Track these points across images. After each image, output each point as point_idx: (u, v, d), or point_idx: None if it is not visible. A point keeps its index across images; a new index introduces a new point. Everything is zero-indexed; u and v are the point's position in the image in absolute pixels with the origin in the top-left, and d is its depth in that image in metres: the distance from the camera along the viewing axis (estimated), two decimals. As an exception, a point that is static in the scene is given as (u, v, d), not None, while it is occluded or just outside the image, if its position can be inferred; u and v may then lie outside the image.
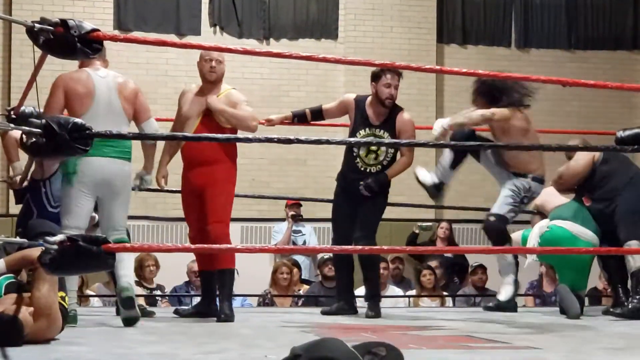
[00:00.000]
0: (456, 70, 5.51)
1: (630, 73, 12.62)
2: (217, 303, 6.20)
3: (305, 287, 9.39)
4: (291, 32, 12.03)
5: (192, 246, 6.22)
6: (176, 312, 6.58)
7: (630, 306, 6.50)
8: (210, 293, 6.32)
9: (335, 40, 12.12)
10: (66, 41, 3.73)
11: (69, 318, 5.14)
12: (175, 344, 4.84)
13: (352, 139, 6.48)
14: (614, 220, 6.70)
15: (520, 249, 7.07)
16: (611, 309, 6.66)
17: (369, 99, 6.56)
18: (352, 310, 6.66)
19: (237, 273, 6.45)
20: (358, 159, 6.53)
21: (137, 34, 10.94)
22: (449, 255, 10.02)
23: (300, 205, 10.34)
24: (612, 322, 6.33)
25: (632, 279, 6.66)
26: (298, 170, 11.92)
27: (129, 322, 5.68)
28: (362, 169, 6.53)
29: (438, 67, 7.47)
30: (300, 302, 9.03)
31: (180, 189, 6.42)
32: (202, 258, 6.45)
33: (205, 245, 6.07)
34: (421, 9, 12.23)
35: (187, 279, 9.38)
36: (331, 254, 8.19)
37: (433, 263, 9.43)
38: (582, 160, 6.86)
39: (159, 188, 6.51)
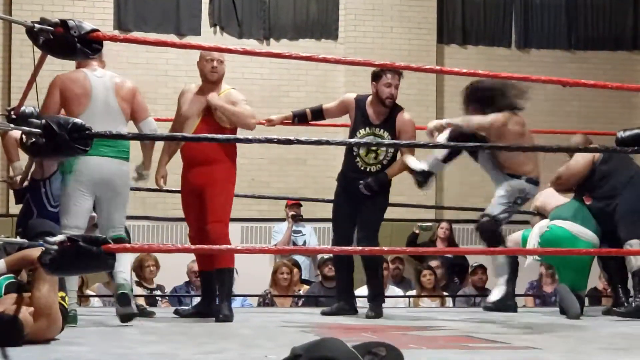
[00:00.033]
0: (456, 70, 5.51)
1: (631, 73, 12.62)
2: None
3: (306, 287, 9.39)
4: (291, 32, 12.03)
5: (192, 246, 6.22)
6: (176, 312, 6.58)
7: (633, 305, 6.51)
8: (211, 293, 6.32)
9: (335, 41, 12.12)
10: (66, 41, 3.73)
11: (69, 318, 5.15)
12: (175, 344, 4.84)
13: (352, 140, 6.48)
14: (614, 220, 6.70)
15: (520, 250, 7.06)
16: (614, 309, 6.66)
17: (370, 98, 6.56)
18: (352, 310, 6.65)
19: (237, 272, 6.44)
20: (358, 159, 6.53)
21: (137, 34, 10.94)
22: (449, 255, 10.02)
23: (300, 205, 10.34)
24: (612, 322, 6.33)
25: (633, 278, 6.66)
26: (298, 170, 11.91)
27: (125, 318, 5.70)
28: (362, 168, 6.53)
29: (438, 68, 7.48)
30: (300, 302, 9.03)
31: (179, 188, 6.43)
32: (202, 258, 6.45)
33: (205, 246, 6.07)
34: (421, 9, 12.23)
35: (187, 279, 9.39)
36: (331, 254, 8.19)
37: (434, 263, 9.43)
38: (581, 159, 6.86)
39: (158, 188, 6.51)
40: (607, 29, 12.86)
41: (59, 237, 3.71)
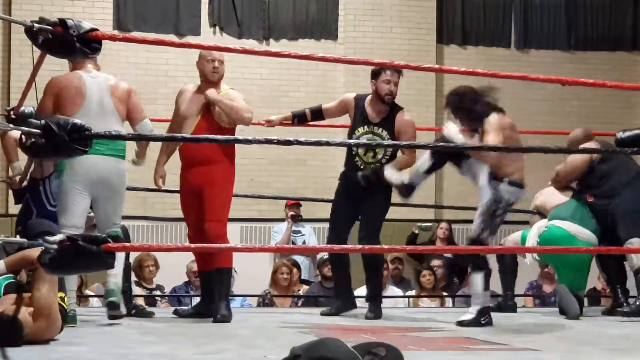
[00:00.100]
0: (455, 69, 5.49)
1: (630, 74, 12.62)
2: (216, 303, 6.19)
3: (305, 287, 9.38)
4: (291, 32, 12.02)
5: (191, 245, 6.23)
6: (175, 312, 6.58)
7: (637, 303, 6.50)
8: (210, 293, 6.31)
9: (335, 41, 12.11)
10: (65, 41, 3.73)
11: (68, 318, 5.15)
12: (175, 344, 4.84)
13: (352, 141, 6.48)
14: (614, 219, 6.70)
15: (520, 248, 7.06)
16: (618, 309, 6.64)
17: (369, 97, 6.57)
18: (351, 306, 6.66)
19: (235, 272, 6.44)
20: (357, 157, 6.53)
21: (136, 34, 10.92)
22: (449, 255, 10.01)
23: (300, 205, 10.33)
24: (612, 323, 6.33)
25: (636, 277, 6.66)
26: (298, 170, 11.91)
27: (113, 317, 5.79)
28: (362, 167, 6.52)
29: (437, 67, 7.47)
30: (300, 303, 9.03)
31: (178, 188, 6.42)
32: (201, 258, 6.45)
33: (205, 245, 6.07)
34: (421, 9, 12.23)
35: (186, 279, 9.38)
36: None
37: (436, 262, 9.43)
38: (579, 156, 6.86)
39: (157, 188, 6.51)
40: (607, 30, 12.86)
41: (59, 237, 3.71)
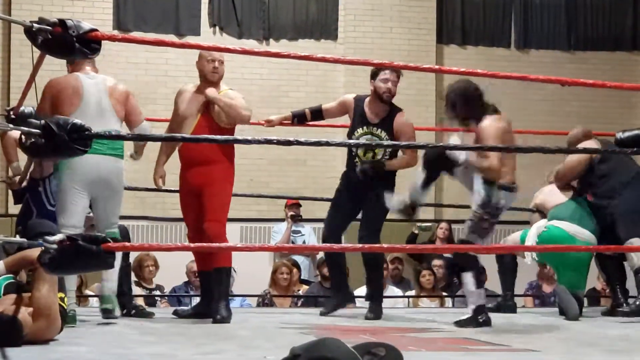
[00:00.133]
0: (454, 69, 5.48)
1: (630, 74, 12.62)
2: (216, 303, 6.19)
3: (305, 287, 9.39)
4: (291, 32, 12.03)
5: (191, 245, 6.22)
6: (175, 313, 6.57)
7: (637, 303, 6.50)
8: (210, 294, 6.31)
9: (334, 41, 12.12)
10: (64, 41, 3.72)
11: (68, 318, 5.15)
12: (174, 344, 4.84)
13: (351, 141, 6.48)
14: (614, 219, 6.70)
15: (519, 247, 7.06)
16: (618, 309, 6.64)
17: (368, 98, 6.57)
18: (348, 301, 6.67)
19: (235, 272, 6.43)
20: (357, 158, 6.53)
21: (136, 34, 10.93)
22: (449, 255, 10.00)
23: (300, 205, 10.33)
24: (612, 324, 6.32)
25: (636, 276, 6.65)
26: (297, 170, 11.91)
27: (107, 318, 5.84)
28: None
29: (437, 67, 7.46)
30: (299, 303, 9.03)
31: (178, 188, 6.43)
32: (201, 258, 6.44)
33: (205, 245, 6.07)
34: (421, 9, 12.23)
35: (186, 279, 9.38)
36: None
37: (437, 262, 9.42)
38: (577, 155, 6.86)
39: (156, 188, 6.52)
40: (607, 30, 12.87)
41: (59, 237, 3.70)
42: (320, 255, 9.24)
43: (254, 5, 11.92)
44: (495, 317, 6.33)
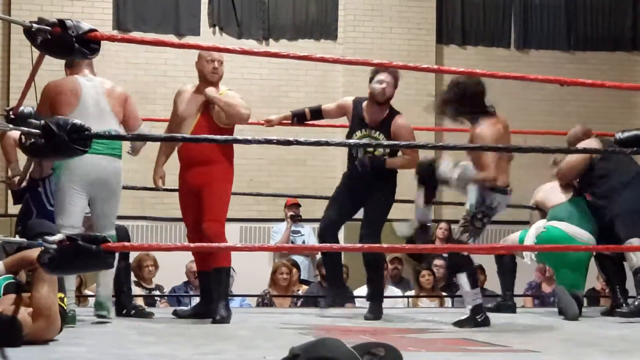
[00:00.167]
0: (454, 69, 5.49)
1: (629, 74, 12.62)
2: (216, 303, 6.19)
3: (305, 287, 9.39)
4: (290, 32, 12.02)
5: (191, 245, 6.22)
6: (175, 313, 6.57)
7: (636, 303, 6.49)
8: (209, 294, 6.31)
9: (334, 41, 12.11)
10: (64, 41, 3.72)
11: (67, 318, 5.15)
12: (174, 345, 4.84)
13: (350, 141, 6.48)
14: (613, 219, 6.70)
15: (518, 246, 7.06)
16: (617, 309, 6.63)
17: (367, 101, 6.57)
18: (345, 298, 6.67)
19: (234, 272, 6.42)
20: (356, 160, 6.53)
21: (136, 34, 10.93)
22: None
23: (299, 205, 10.33)
24: (611, 324, 6.33)
25: (635, 276, 6.65)
26: (297, 170, 11.91)
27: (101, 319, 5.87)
28: (360, 170, 6.51)
29: (436, 67, 7.46)
30: (299, 303, 9.03)
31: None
32: (200, 258, 6.44)
33: (205, 245, 6.07)
34: (420, 9, 12.23)
35: (186, 279, 9.38)
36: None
37: (438, 262, 9.42)
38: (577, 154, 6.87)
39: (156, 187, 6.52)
40: (606, 30, 12.87)
41: (58, 237, 3.70)
42: (320, 255, 9.24)
43: (253, 6, 11.92)
44: (495, 317, 6.33)
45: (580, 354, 4.71)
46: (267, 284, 9.10)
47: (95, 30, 3.78)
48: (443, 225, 10.41)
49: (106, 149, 5.73)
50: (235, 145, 6.44)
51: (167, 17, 11.70)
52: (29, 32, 3.73)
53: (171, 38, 11.24)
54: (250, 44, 11.74)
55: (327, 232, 6.53)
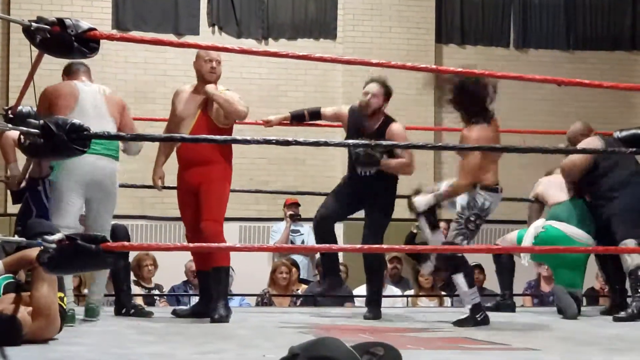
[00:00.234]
0: (452, 69, 5.50)
1: (629, 73, 12.63)
2: (215, 302, 6.20)
3: (304, 286, 9.39)
4: (290, 32, 12.03)
5: (190, 245, 6.22)
6: (174, 312, 6.57)
7: (633, 304, 6.47)
8: (209, 293, 6.31)
9: (334, 40, 12.12)
10: (63, 40, 3.72)
11: (67, 318, 5.15)
12: (173, 344, 4.84)
13: (350, 141, 6.47)
14: (610, 217, 6.70)
15: (516, 247, 7.06)
16: (615, 315, 6.56)
17: None
18: (339, 280, 6.71)
19: (233, 271, 6.42)
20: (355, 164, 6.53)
21: (135, 34, 10.92)
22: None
23: (299, 205, 10.34)
24: (611, 323, 6.33)
25: (630, 277, 6.64)
26: (297, 170, 11.91)
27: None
28: (359, 172, 6.51)
29: (435, 67, 7.46)
30: (298, 302, 9.04)
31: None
32: (199, 258, 6.45)
33: (204, 244, 6.07)
34: (420, 9, 12.23)
35: (185, 279, 9.39)
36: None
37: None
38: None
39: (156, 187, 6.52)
40: (606, 29, 12.87)
41: (57, 236, 3.71)
42: (320, 254, 9.24)
43: (252, 5, 11.92)
44: (494, 317, 6.33)
45: (579, 353, 4.72)
46: (267, 283, 9.10)
47: (95, 29, 3.78)
48: (442, 225, 10.39)
49: (103, 149, 5.74)
50: (234, 145, 6.45)
51: (167, 16, 11.70)
52: (28, 31, 3.73)
53: (170, 37, 11.25)
54: (249, 43, 11.74)
55: (321, 225, 6.51)
